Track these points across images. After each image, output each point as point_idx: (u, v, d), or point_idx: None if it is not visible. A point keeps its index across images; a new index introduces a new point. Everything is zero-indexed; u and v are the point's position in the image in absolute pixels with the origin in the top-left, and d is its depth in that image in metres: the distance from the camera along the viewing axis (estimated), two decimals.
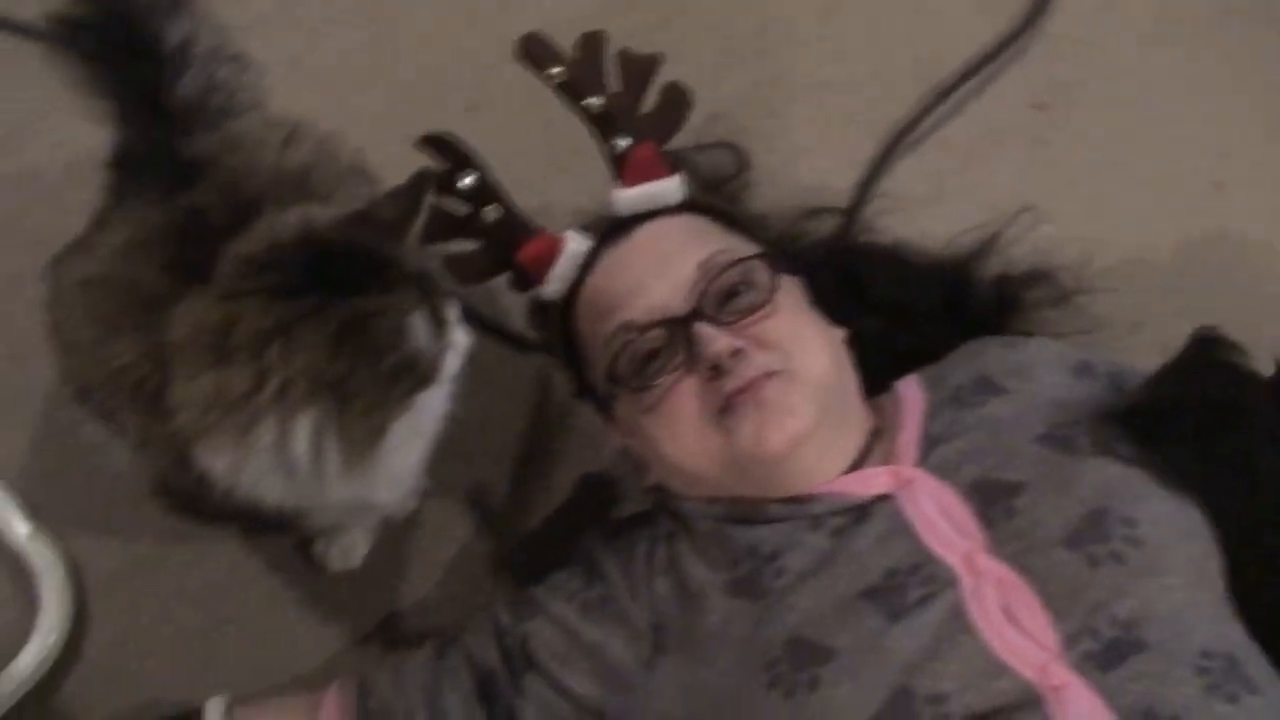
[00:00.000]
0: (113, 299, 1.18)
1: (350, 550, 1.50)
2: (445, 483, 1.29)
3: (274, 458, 1.08)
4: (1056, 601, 1.05)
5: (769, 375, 1.17)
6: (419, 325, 1.12)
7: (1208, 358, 1.24)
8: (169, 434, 1.13)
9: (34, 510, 1.48)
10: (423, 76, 1.63)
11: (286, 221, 1.13)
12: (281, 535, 1.53)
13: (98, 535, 1.52)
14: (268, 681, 1.49)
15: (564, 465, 1.60)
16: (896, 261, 1.53)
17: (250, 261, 1.09)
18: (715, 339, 1.17)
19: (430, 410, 1.20)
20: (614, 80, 1.33)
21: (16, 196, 1.53)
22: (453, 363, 1.18)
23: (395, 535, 1.52)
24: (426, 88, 1.63)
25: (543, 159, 1.64)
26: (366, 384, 1.07)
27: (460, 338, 1.19)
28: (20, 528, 1.47)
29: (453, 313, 1.17)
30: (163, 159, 1.25)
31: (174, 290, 1.13)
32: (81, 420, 1.31)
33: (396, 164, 1.19)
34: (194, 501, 1.33)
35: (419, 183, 1.17)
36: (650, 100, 1.33)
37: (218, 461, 1.11)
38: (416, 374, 1.13)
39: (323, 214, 1.14)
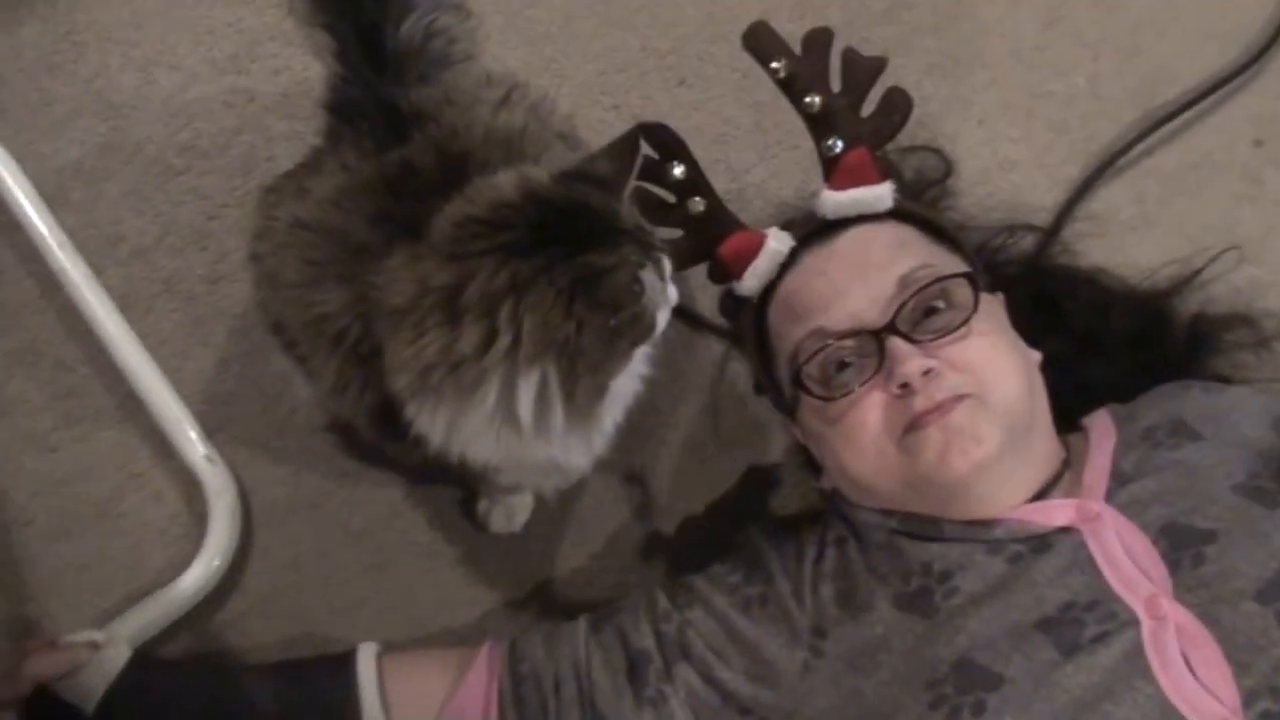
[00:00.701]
0: (321, 246, 1.19)
1: (513, 513, 1.51)
2: (612, 458, 1.28)
3: (496, 417, 1.09)
4: (1239, 655, 1.03)
5: (959, 398, 1.15)
6: (652, 280, 1.12)
7: None
8: (369, 386, 1.15)
9: (209, 432, 1.50)
10: (638, 46, 1.61)
11: (503, 181, 1.13)
12: (449, 487, 1.54)
13: (268, 464, 1.54)
14: (418, 630, 1.52)
15: (731, 454, 1.59)
16: (1095, 287, 1.50)
17: (473, 222, 1.09)
18: (908, 357, 1.16)
19: (631, 371, 1.20)
20: (835, 77, 1.30)
21: (232, 116, 1.54)
22: (663, 319, 1.18)
23: (556, 505, 1.53)
24: (640, 57, 1.61)
25: (746, 142, 1.62)
26: (593, 340, 1.08)
27: (672, 293, 1.19)
28: (198, 448, 1.48)
29: (668, 267, 1.17)
30: (379, 109, 1.26)
31: (381, 244, 1.14)
32: (268, 350, 1.34)
33: (600, 130, 1.19)
34: (371, 445, 1.35)
35: (633, 139, 1.17)
36: (869, 102, 1.30)
37: (435, 421, 1.12)
38: (638, 329, 1.13)
39: (537, 172, 1.14)
